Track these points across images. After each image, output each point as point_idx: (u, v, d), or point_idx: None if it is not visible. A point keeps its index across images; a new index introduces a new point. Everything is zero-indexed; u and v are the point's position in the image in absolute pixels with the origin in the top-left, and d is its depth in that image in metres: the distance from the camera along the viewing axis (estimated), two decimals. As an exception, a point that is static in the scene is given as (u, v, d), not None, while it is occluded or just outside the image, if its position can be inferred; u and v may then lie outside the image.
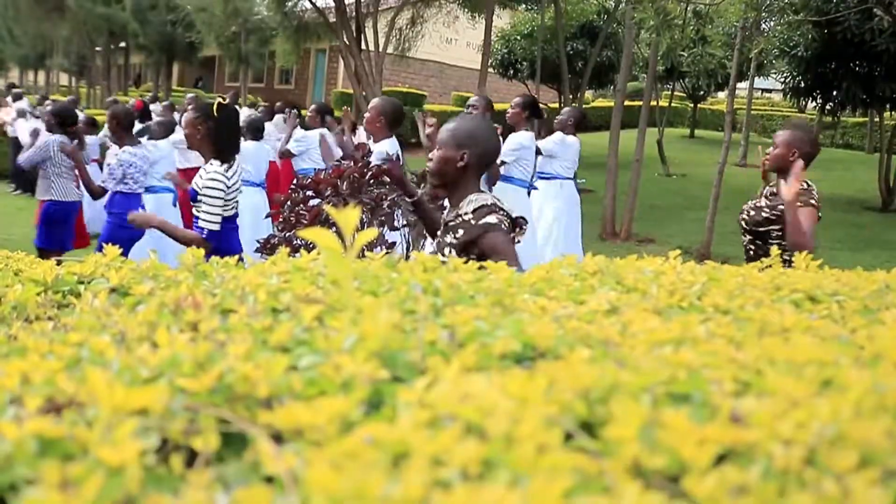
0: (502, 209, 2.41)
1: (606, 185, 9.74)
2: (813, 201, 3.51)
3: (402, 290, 1.02)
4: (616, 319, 0.92)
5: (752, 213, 3.67)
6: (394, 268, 1.22)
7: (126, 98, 16.24)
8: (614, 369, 0.65)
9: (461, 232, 2.39)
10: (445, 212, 2.57)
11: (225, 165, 3.79)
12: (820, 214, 3.54)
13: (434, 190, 2.60)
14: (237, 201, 4.07)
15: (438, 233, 2.56)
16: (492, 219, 2.36)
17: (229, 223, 4.08)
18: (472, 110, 5.06)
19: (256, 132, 7.09)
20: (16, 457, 0.51)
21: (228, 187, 3.80)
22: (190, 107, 3.92)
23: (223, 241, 3.99)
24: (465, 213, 2.40)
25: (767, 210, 3.62)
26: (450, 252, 2.38)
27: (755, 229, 3.66)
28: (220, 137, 3.79)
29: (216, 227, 3.77)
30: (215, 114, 3.77)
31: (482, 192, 2.48)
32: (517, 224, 2.44)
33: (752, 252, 3.70)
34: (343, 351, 0.71)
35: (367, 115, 4.83)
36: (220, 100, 3.92)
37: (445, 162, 2.46)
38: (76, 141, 6.07)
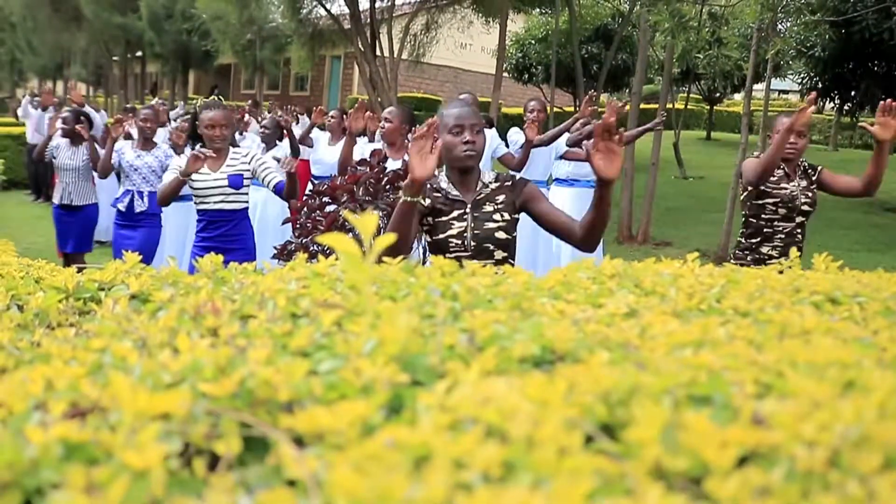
0: None
1: (623, 189, 9.71)
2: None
3: (421, 294, 1.03)
4: (635, 322, 0.92)
5: (811, 195, 3.75)
6: (411, 272, 1.22)
7: (141, 107, 16.38)
8: (634, 372, 0.65)
9: (502, 196, 2.65)
10: (447, 192, 2.68)
11: None
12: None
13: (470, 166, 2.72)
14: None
15: (462, 212, 2.65)
16: (517, 177, 2.74)
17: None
18: (385, 123, 4.98)
19: (282, 135, 7.11)
20: (42, 461, 0.52)
21: None
22: (219, 107, 4.16)
23: (248, 230, 4.17)
24: (491, 183, 2.68)
25: (813, 191, 3.77)
26: (501, 216, 2.63)
27: (810, 210, 3.76)
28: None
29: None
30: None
31: None
32: None
33: (799, 237, 3.78)
34: (363, 355, 0.71)
35: (387, 124, 4.85)
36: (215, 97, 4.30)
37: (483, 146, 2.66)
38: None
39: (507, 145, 5.96)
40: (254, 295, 1.04)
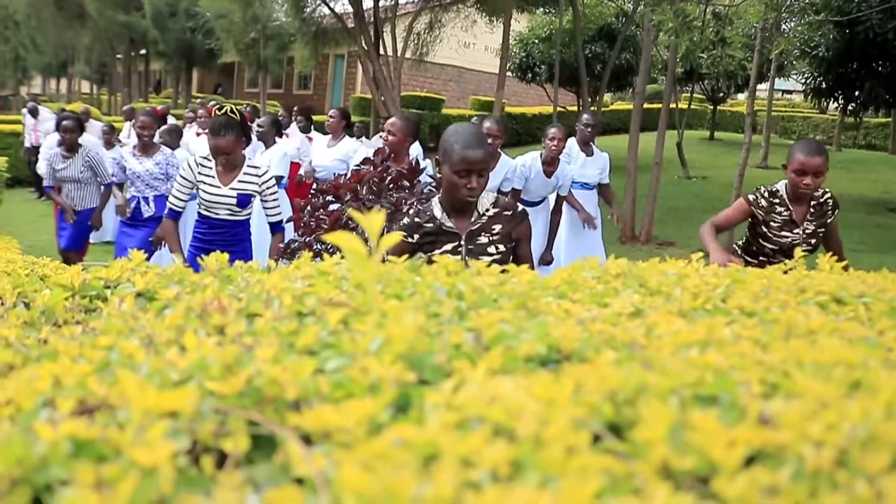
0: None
1: (626, 189, 9.71)
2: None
3: (426, 293, 1.03)
4: (640, 322, 0.92)
5: (814, 241, 3.49)
6: (417, 271, 1.22)
7: (145, 105, 16.40)
8: (641, 371, 0.65)
9: (499, 226, 2.53)
10: (441, 223, 2.55)
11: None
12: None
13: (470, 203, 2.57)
14: None
15: (455, 244, 2.53)
16: (518, 207, 2.57)
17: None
18: (388, 136, 4.81)
19: (280, 132, 7.09)
20: (51, 458, 0.52)
21: None
22: (225, 132, 3.90)
23: (247, 232, 4.14)
24: (488, 210, 2.54)
25: (819, 236, 3.51)
26: (496, 248, 2.51)
27: (809, 252, 3.47)
28: (247, 134, 3.99)
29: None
30: (237, 118, 3.94)
31: None
32: None
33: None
34: (369, 354, 0.72)
35: (390, 137, 4.67)
36: (233, 106, 4.10)
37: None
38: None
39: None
40: (260, 293, 1.04)
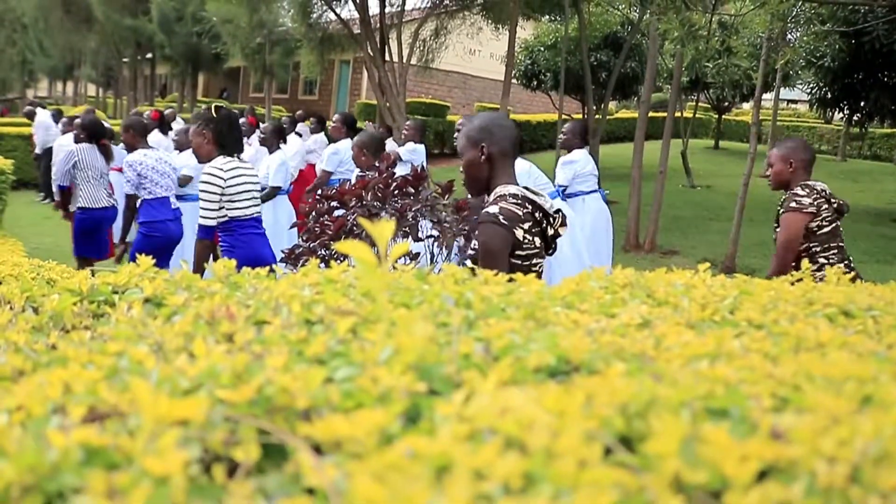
0: (518, 199, 2.37)
1: (630, 197, 9.70)
2: (794, 204, 3.48)
3: (435, 302, 1.03)
4: (649, 333, 0.92)
5: (775, 225, 3.64)
6: (425, 280, 1.22)
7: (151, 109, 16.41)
8: (651, 384, 0.65)
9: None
10: None
11: (223, 158, 3.95)
12: (825, 220, 3.52)
13: (474, 195, 2.59)
14: (252, 202, 4.13)
15: None
16: (492, 209, 2.35)
17: (247, 227, 4.14)
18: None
19: (282, 139, 7.11)
20: (62, 465, 0.52)
21: (225, 181, 3.93)
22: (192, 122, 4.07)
23: (244, 247, 4.06)
24: (487, 202, 2.44)
25: (778, 218, 3.62)
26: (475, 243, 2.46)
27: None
28: (221, 136, 3.98)
29: (209, 223, 3.91)
30: (214, 115, 3.97)
31: (511, 183, 2.45)
32: (547, 216, 2.41)
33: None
34: (379, 363, 0.71)
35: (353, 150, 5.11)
36: (217, 104, 4.14)
37: (470, 165, 2.47)
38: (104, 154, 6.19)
39: None
40: (268, 301, 1.04)
